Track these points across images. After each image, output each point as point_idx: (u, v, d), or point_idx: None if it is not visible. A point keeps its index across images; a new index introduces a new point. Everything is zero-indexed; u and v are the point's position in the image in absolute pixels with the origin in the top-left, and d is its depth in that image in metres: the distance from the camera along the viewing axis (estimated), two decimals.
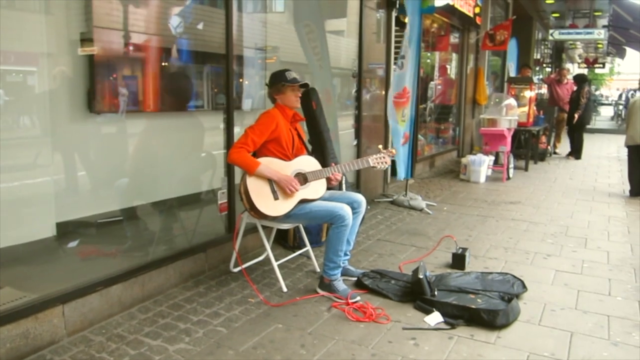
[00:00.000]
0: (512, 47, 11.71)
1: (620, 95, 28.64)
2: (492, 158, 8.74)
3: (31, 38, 3.18)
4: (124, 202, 3.85)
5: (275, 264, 3.83)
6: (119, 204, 3.82)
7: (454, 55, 10.80)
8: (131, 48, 3.69)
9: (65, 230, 3.43)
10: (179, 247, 4.03)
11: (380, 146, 3.97)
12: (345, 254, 3.89)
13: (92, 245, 3.68)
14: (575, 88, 11.07)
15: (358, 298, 3.58)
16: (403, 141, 6.27)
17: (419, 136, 8.63)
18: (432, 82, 9.91)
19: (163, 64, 3.95)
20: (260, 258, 4.29)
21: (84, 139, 3.59)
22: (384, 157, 3.86)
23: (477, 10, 9.86)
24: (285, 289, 3.76)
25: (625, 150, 7.60)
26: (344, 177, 4.81)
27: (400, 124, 6.23)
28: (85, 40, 3.41)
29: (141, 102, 3.78)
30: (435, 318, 3.32)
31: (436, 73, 10.24)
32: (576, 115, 10.63)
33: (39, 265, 3.33)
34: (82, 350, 2.90)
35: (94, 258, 3.62)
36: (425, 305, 3.46)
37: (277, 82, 3.70)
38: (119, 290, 3.35)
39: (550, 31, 14.84)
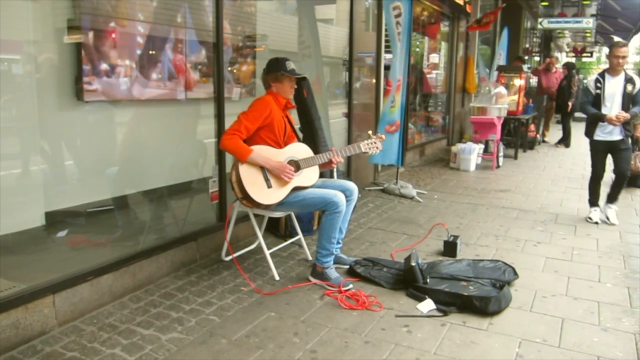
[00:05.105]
0: (502, 36, 11.73)
1: None
2: (482, 146, 8.78)
3: (17, 25, 3.11)
4: (113, 191, 3.80)
5: (267, 252, 3.82)
6: (108, 192, 3.77)
7: (444, 44, 10.78)
8: (119, 35, 3.63)
9: (54, 219, 3.38)
10: (170, 236, 4.00)
11: (370, 132, 3.96)
12: (338, 242, 3.89)
13: (82, 234, 3.63)
14: (564, 76, 11.10)
15: (350, 286, 3.58)
16: (394, 129, 6.30)
17: (409, 124, 8.63)
18: (422, 70, 9.89)
19: (151, 51, 3.89)
20: (252, 247, 4.27)
21: (72, 127, 3.53)
22: (375, 143, 3.85)
23: None
24: (277, 278, 3.75)
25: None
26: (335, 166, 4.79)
27: (389, 110, 6.32)
28: (73, 27, 3.34)
29: (130, 89, 3.72)
30: (427, 305, 3.33)
31: (425, 61, 10.21)
32: (570, 104, 10.67)
33: (28, 255, 3.29)
34: (74, 340, 2.87)
35: (83, 247, 3.58)
36: (418, 292, 3.47)
37: (276, 70, 3.67)
38: (110, 280, 3.32)
39: (539, 20, 14.87)
